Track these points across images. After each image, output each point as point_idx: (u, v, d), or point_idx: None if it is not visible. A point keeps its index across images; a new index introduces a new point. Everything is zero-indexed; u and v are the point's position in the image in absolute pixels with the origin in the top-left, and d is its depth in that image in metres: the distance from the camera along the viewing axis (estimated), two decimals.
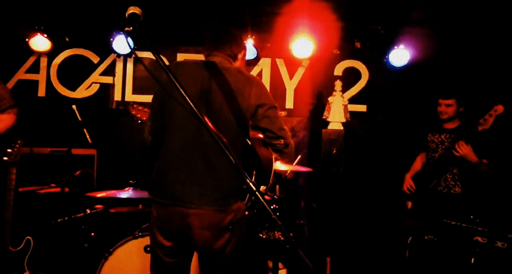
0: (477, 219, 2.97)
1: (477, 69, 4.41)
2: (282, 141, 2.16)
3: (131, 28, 1.72)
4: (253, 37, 4.44)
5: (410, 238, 3.21)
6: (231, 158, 1.43)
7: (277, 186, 3.51)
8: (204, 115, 2.00)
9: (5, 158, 2.95)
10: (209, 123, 1.45)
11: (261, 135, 2.28)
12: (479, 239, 2.75)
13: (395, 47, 4.40)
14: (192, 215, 2.03)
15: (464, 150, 3.33)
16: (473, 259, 2.73)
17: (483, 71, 4.39)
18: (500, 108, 3.18)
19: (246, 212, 2.07)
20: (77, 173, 3.66)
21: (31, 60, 4.66)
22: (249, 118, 2.12)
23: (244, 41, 2.43)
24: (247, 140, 2.14)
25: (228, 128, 2.04)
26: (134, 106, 2.86)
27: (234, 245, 2.10)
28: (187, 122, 2.06)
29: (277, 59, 4.81)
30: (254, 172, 2.15)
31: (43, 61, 4.67)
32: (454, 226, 2.90)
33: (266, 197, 3.48)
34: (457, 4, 4.01)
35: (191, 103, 1.48)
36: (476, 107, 3.43)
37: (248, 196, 2.06)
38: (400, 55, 4.41)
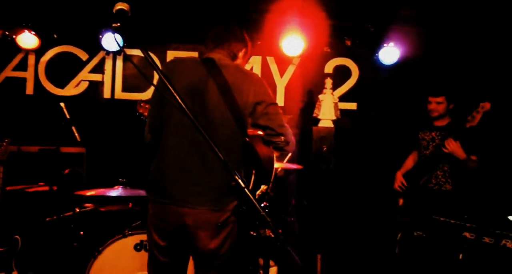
0: (465, 215, 3.00)
1: (466, 66, 4.45)
2: (282, 138, 2.13)
3: (118, 24, 1.71)
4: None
5: (399, 235, 3.23)
6: (219, 155, 1.43)
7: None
8: (200, 112, 2.00)
9: None
10: (196, 122, 1.45)
11: (261, 133, 2.26)
12: (467, 235, 2.78)
13: (385, 45, 4.42)
14: (187, 214, 2.02)
15: (452, 146, 3.36)
16: (461, 255, 2.76)
17: (472, 69, 4.43)
18: (487, 105, 3.22)
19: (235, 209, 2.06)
20: (66, 171, 3.63)
21: (19, 57, 4.60)
22: (247, 116, 2.10)
23: (247, 39, 2.37)
24: (246, 137, 2.13)
25: (225, 126, 2.04)
26: (142, 104, 2.85)
27: (230, 245, 2.09)
28: (184, 120, 2.05)
29: (267, 57, 4.80)
30: (254, 171, 2.14)
31: (31, 59, 4.61)
32: (443, 222, 2.93)
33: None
34: (445, 2, 4.04)
35: (181, 102, 1.48)
36: (466, 105, 3.46)
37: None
38: (390, 53, 4.43)
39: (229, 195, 2.04)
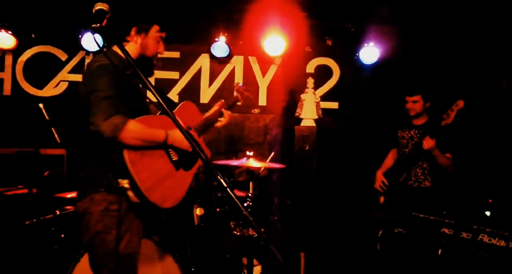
0: (444, 212, 3.06)
1: (444, 65, 4.54)
2: (92, 127, 1.96)
3: (98, 24, 1.71)
4: (225, 34, 4.44)
5: (380, 231, 3.28)
6: (202, 155, 1.44)
7: (251, 183, 3.52)
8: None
9: None
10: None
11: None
12: (446, 230, 2.84)
13: (365, 44, 4.48)
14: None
15: (429, 144, 3.42)
16: (440, 250, 2.82)
17: (449, 67, 4.52)
18: (461, 103, 3.30)
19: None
20: (46, 173, 3.56)
21: None
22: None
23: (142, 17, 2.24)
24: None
25: (84, 124, 2.07)
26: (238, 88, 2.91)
27: (89, 237, 2.09)
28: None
29: (249, 57, 4.81)
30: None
31: (8, 59, 4.52)
32: (422, 219, 2.98)
33: (239, 193, 3.48)
34: (420, 2, 4.13)
35: (161, 101, 1.49)
36: (443, 103, 3.54)
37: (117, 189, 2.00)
38: (370, 53, 4.50)
39: (89, 188, 2.10)
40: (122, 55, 2.02)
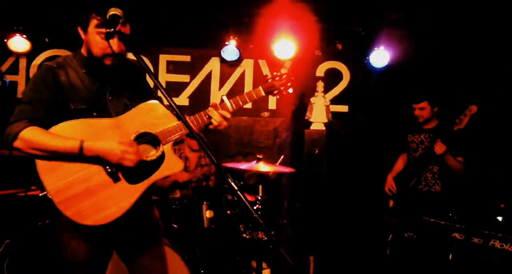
0: (455, 216, 3.04)
1: (455, 68, 4.51)
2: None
3: (112, 29, 1.74)
4: (236, 38, 4.47)
5: (390, 236, 3.27)
6: (212, 158, 1.45)
7: (261, 186, 3.53)
8: None
9: None
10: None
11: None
12: (457, 235, 2.82)
13: (376, 48, 4.47)
14: None
15: (441, 149, 3.40)
16: (451, 255, 2.80)
17: (460, 72, 4.49)
18: (474, 108, 3.28)
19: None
20: None
21: (10, 61, 4.58)
22: None
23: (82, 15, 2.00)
24: None
25: None
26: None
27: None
28: None
29: (259, 60, 4.82)
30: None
31: (22, 62, 4.59)
32: (433, 223, 2.97)
33: (249, 198, 3.50)
34: (431, 6, 4.12)
35: (173, 104, 1.50)
36: (453, 106, 3.52)
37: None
38: (380, 56, 4.48)
39: None
40: (85, 54, 2.06)
